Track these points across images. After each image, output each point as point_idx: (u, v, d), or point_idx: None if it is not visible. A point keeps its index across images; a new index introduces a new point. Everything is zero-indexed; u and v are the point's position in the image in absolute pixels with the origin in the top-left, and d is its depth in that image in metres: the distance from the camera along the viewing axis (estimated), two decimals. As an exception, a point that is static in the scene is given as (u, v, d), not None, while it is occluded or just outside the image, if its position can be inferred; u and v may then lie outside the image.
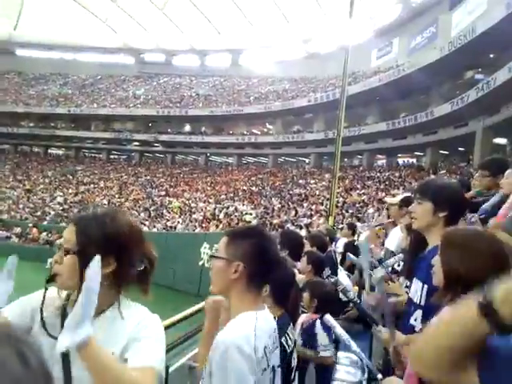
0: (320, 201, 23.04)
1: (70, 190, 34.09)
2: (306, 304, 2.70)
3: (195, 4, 44.99)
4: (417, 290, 1.90)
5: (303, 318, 2.63)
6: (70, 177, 37.41)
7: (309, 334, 2.63)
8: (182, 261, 14.55)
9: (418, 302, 1.88)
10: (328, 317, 2.23)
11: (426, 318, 1.79)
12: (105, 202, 30.84)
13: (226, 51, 46.69)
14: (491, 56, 22.07)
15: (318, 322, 2.59)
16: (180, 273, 14.68)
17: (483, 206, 3.21)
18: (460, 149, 27.83)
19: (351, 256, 3.94)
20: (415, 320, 1.89)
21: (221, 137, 38.58)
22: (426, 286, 1.83)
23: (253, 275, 1.40)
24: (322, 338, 2.62)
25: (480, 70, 23.98)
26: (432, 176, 22.90)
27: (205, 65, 48.16)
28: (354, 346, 2.05)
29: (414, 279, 2.00)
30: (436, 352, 0.84)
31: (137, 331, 1.16)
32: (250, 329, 1.30)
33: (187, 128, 42.86)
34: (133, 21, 48.66)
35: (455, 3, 27.17)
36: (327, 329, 2.53)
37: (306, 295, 2.70)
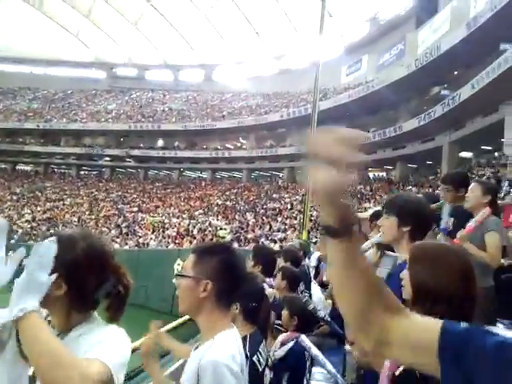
0: (294, 215, 23.17)
1: (39, 208, 33.11)
2: (284, 322, 2.66)
3: (168, 20, 45.22)
4: None
5: (283, 337, 2.59)
6: (39, 193, 36.37)
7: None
8: (154, 278, 14.25)
9: None
10: (303, 338, 2.21)
11: None
12: (75, 219, 30.08)
13: (199, 66, 46.92)
14: (456, 73, 22.98)
15: (292, 343, 2.55)
16: (153, 291, 14.36)
17: (442, 225, 3.24)
18: (428, 162, 28.64)
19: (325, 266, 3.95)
20: None
21: (194, 151, 38.46)
22: None
23: (221, 293, 1.38)
24: (287, 357, 2.58)
25: (445, 86, 24.91)
26: (401, 189, 23.46)
27: (178, 80, 48.19)
28: (329, 365, 2.04)
29: None
30: None
31: (95, 349, 1.12)
32: (235, 348, 1.30)
33: (160, 143, 42.54)
34: (105, 35, 48.43)
35: (421, 22, 28.29)
36: (299, 351, 2.50)
37: (284, 313, 2.66)
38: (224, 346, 1.30)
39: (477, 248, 2.74)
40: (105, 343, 1.10)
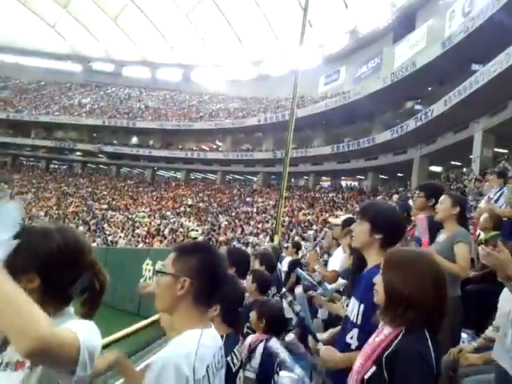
0: (266, 219, 23.24)
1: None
2: (253, 324, 2.65)
3: (149, 17, 44.74)
4: (353, 309, 1.94)
5: (251, 339, 2.58)
6: (5, 186, 35.13)
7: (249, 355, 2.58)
8: (122, 278, 13.96)
9: (354, 320, 1.91)
10: (273, 342, 2.22)
11: (362, 336, 1.83)
12: (41, 213, 29.20)
13: (178, 66, 46.58)
14: (429, 89, 23.66)
15: (261, 345, 2.54)
16: (120, 291, 14.07)
17: (415, 233, 3.33)
18: (399, 174, 29.33)
19: (299, 271, 3.98)
20: (351, 338, 1.91)
21: (169, 151, 38.06)
22: (362, 306, 1.87)
23: (200, 291, 1.36)
24: (255, 360, 2.58)
25: (419, 101, 25.58)
26: (372, 199, 23.91)
27: (156, 78, 47.69)
28: (297, 369, 2.05)
29: (352, 298, 2.04)
30: None
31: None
32: (192, 348, 1.26)
33: (134, 140, 41.92)
34: (83, 28, 47.44)
35: (398, 37, 29.04)
36: (267, 355, 2.50)
37: (253, 315, 2.65)
38: (181, 344, 1.27)
39: (445, 259, 2.81)
40: (76, 327, 1.09)
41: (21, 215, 1.07)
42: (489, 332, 2.78)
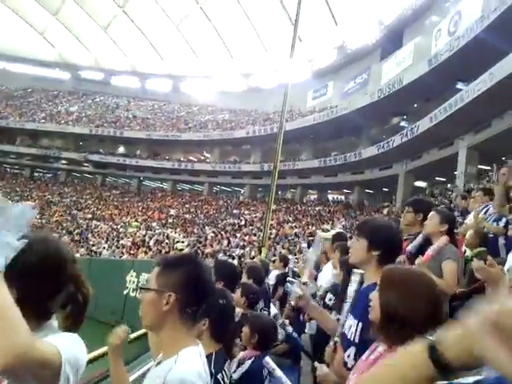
0: (253, 232, 23.17)
1: (-15, 207, 31.35)
2: (245, 339, 2.60)
3: (139, 27, 44.86)
4: (351, 327, 1.92)
5: (242, 355, 2.53)
6: (-13, 193, 34.53)
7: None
8: (105, 289, 13.70)
9: (352, 338, 1.89)
10: (268, 359, 2.17)
11: (359, 355, 1.81)
12: (24, 221, 28.65)
13: (168, 76, 46.65)
14: (415, 106, 24.09)
15: (249, 362, 2.50)
16: (103, 302, 13.79)
17: (408, 247, 3.34)
18: (384, 189, 29.64)
19: (289, 287, 3.94)
20: (348, 356, 1.89)
21: (156, 161, 37.85)
22: (360, 324, 1.86)
23: (185, 306, 1.32)
24: (237, 374, 2.53)
25: (405, 117, 26.02)
26: (358, 213, 24.07)
27: (145, 88, 47.65)
28: None
29: (349, 315, 2.02)
30: None
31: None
32: (200, 365, 1.26)
33: (121, 150, 41.63)
34: (72, 36, 47.31)
35: (385, 55, 29.59)
36: (252, 372, 2.46)
37: (245, 330, 2.61)
38: (190, 362, 1.25)
39: (434, 275, 2.81)
40: (58, 340, 1.04)
41: (32, 216, 1.02)
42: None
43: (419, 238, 3.40)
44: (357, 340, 1.86)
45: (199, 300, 1.36)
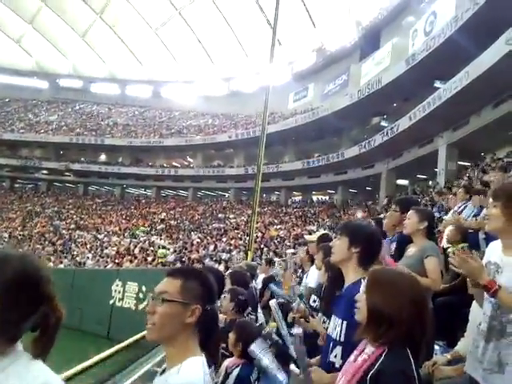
0: (239, 235, 23.14)
1: (-36, 221, 30.61)
2: (231, 346, 2.60)
3: (117, 34, 44.53)
4: (336, 327, 1.94)
5: (227, 363, 2.52)
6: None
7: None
8: (90, 300, 13.52)
9: (337, 338, 1.91)
10: (254, 347, 2.16)
11: (346, 354, 1.83)
12: (5, 234, 28.08)
13: (148, 82, 46.38)
14: (395, 105, 24.41)
15: (236, 370, 2.49)
16: (88, 313, 13.59)
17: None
18: (367, 188, 29.93)
19: (273, 287, 3.95)
20: (335, 356, 1.91)
21: (139, 168, 37.52)
22: (345, 323, 1.88)
23: (204, 317, 1.35)
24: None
25: (385, 117, 26.35)
26: (343, 212, 24.24)
27: (125, 94, 47.26)
28: (280, 376, 1.99)
29: (333, 316, 2.04)
30: None
31: None
32: (200, 376, 1.26)
33: (103, 157, 41.16)
34: (49, 44, 46.66)
35: (364, 55, 29.95)
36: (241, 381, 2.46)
37: (231, 337, 2.60)
38: (194, 371, 1.27)
39: (416, 274, 2.84)
40: (22, 371, 0.97)
41: None
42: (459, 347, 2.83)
43: (394, 243, 3.45)
44: (342, 339, 1.88)
45: (211, 311, 1.41)
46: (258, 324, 3.02)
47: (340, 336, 1.89)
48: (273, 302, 3.15)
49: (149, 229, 27.49)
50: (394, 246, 3.48)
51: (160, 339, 1.38)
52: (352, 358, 1.54)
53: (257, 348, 2.35)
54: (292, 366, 2.65)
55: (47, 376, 1.04)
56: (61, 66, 47.58)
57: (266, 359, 2.05)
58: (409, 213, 3.17)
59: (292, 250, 17.76)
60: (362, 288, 1.55)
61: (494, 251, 2.03)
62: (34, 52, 47.61)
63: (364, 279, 1.65)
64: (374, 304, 1.44)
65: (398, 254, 3.27)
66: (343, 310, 1.90)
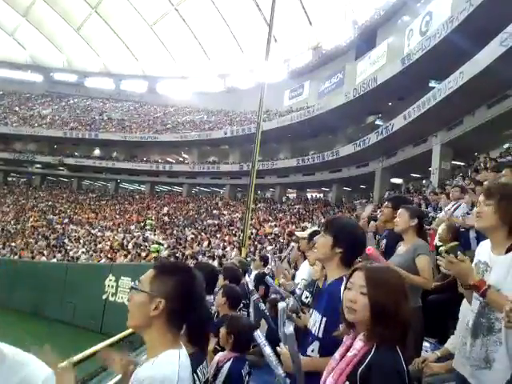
0: (233, 232, 23.15)
1: (-44, 214, 30.38)
2: (222, 340, 2.62)
3: (113, 28, 44.20)
4: (315, 322, 1.96)
5: (219, 357, 2.54)
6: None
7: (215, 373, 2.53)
8: (83, 294, 13.51)
9: (316, 333, 1.93)
10: (259, 333, 2.17)
11: (323, 349, 1.85)
12: (-3, 228, 27.92)
13: (143, 78, 46.15)
14: (390, 104, 24.46)
15: (228, 364, 2.51)
16: (81, 307, 13.58)
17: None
18: (362, 186, 30.03)
19: (270, 280, 3.97)
20: (312, 351, 1.93)
21: (133, 163, 37.35)
22: (324, 319, 1.90)
23: (173, 314, 1.34)
24: (219, 379, 2.54)
25: (380, 116, 26.40)
26: (337, 210, 24.32)
27: (120, 89, 46.98)
28: (279, 369, 1.98)
29: (314, 311, 2.06)
30: None
31: None
32: (174, 368, 1.26)
33: (97, 152, 40.94)
34: (44, 38, 46.24)
35: (360, 54, 29.97)
36: (232, 376, 2.47)
37: (222, 331, 2.62)
38: (164, 364, 1.26)
39: (408, 273, 2.86)
40: None
41: None
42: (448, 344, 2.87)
43: (384, 240, 3.48)
44: (320, 335, 1.90)
45: (187, 310, 1.38)
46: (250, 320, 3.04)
47: (318, 332, 1.91)
48: (281, 306, 3.20)
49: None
50: (383, 242, 3.51)
51: (134, 328, 1.42)
52: (337, 354, 1.53)
53: (260, 334, 2.36)
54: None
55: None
56: (55, 59, 47.19)
57: (269, 348, 2.05)
58: (399, 211, 3.21)
59: (270, 247, 17.83)
60: (343, 287, 1.56)
61: (483, 250, 2.06)
62: (28, 45, 47.16)
63: (345, 277, 1.65)
64: (377, 302, 1.44)
65: (388, 251, 3.31)
66: (324, 307, 1.93)
